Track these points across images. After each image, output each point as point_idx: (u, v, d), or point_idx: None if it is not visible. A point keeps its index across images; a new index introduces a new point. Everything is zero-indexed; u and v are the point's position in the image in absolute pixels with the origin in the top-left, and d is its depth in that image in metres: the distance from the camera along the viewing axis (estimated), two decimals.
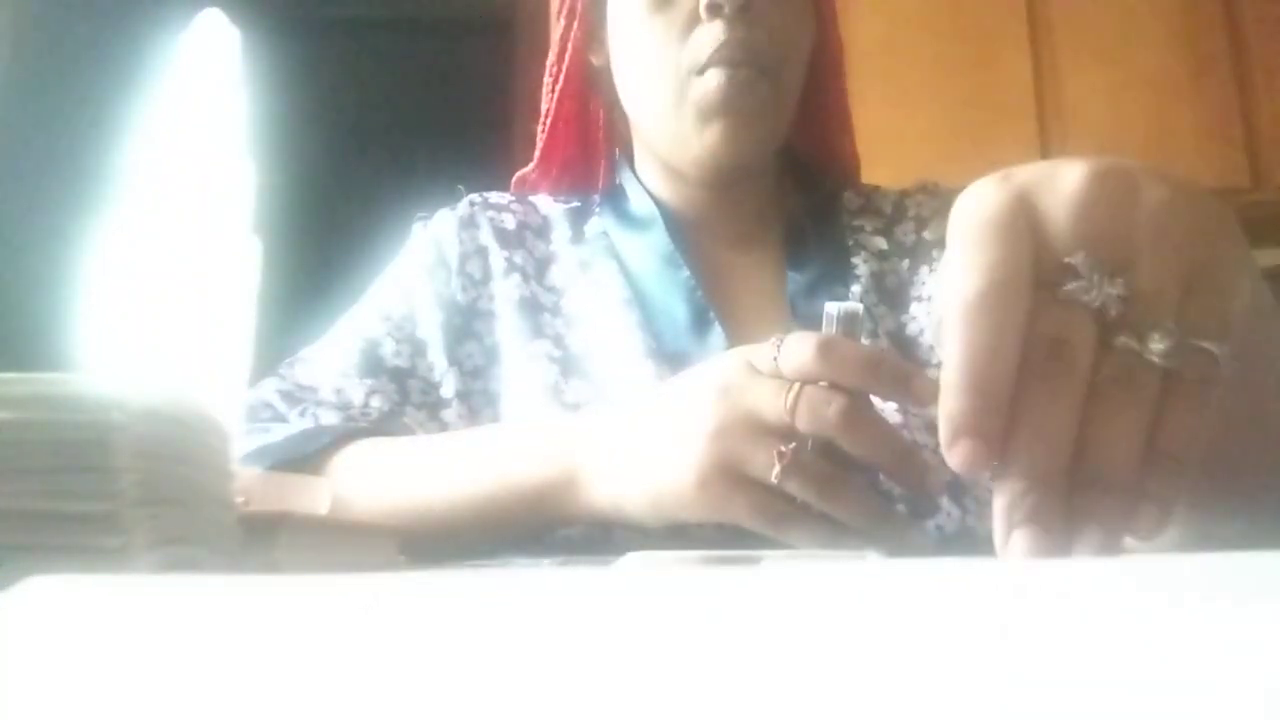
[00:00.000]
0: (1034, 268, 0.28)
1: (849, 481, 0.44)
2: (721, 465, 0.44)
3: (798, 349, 0.43)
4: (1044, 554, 0.27)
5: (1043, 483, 0.27)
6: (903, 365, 0.43)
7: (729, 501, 0.44)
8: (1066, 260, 0.28)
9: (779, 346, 0.44)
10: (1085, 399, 0.28)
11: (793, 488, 0.43)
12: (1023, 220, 0.29)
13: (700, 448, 0.44)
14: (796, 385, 0.42)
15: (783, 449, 0.42)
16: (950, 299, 0.28)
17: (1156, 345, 0.27)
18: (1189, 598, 0.18)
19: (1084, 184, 0.29)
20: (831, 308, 0.45)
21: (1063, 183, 0.29)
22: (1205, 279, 0.29)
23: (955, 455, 0.27)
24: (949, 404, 0.27)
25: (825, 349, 0.42)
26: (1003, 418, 0.27)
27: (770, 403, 0.43)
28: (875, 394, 0.44)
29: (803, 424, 0.42)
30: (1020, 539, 0.27)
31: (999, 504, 0.28)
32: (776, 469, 0.42)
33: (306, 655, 0.15)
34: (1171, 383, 0.28)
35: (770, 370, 0.44)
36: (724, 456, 0.44)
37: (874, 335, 0.66)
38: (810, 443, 0.43)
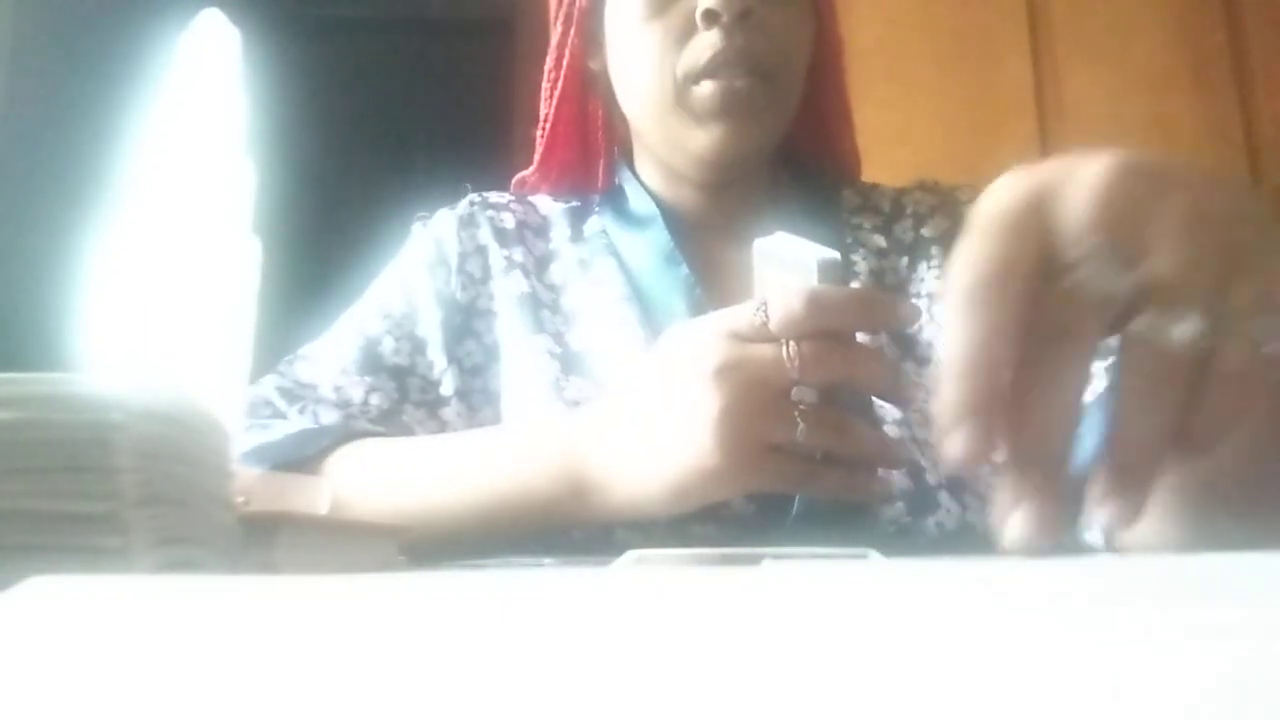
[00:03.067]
0: (1038, 260, 0.28)
1: (856, 421, 0.45)
2: (745, 440, 0.44)
3: (787, 306, 0.43)
4: (1044, 532, 0.28)
5: (1042, 466, 0.28)
6: (885, 295, 0.44)
7: (759, 471, 0.45)
8: (1077, 250, 0.28)
9: (764, 309, 0.44)
10: (1084, 385, 0.28)
11: (817, 440, 0.44)
12: (1035, 214, 0.29)
13: (722, 429, 0.43)
14: (793, 343, 0.43)
15: (801, 407, 0.43)
16: (947, 293, 0.29)
17: (1182, 331, 0.27)
18: (1189, 598, 0.18)
19: (1106, 176, 0.29)
20: (809, 258, 0.45)
21: (1085, 174, 0.29)
22: (1248, 265, 0.28)
23: (954, 442, 0.28)
24: (946, 393, 0.28)
25: (814, 300, 0.43)
26: (998, 404, 0.28)
27: (774, 367, 0.43)
28: (869, 328, 0.45)
29: (814, 377, 0.43)
30: (1021, 517, 0.28)
31: (1003, 482, 0.28)
32: (801, 427, 0.43)
33: (306, 656, 0.15)
34: (1208, 370, 0.27)
35: (758, 334, 0.44)
36: (745, 430, 0.44)
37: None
38: (820, 395, 0.44)
